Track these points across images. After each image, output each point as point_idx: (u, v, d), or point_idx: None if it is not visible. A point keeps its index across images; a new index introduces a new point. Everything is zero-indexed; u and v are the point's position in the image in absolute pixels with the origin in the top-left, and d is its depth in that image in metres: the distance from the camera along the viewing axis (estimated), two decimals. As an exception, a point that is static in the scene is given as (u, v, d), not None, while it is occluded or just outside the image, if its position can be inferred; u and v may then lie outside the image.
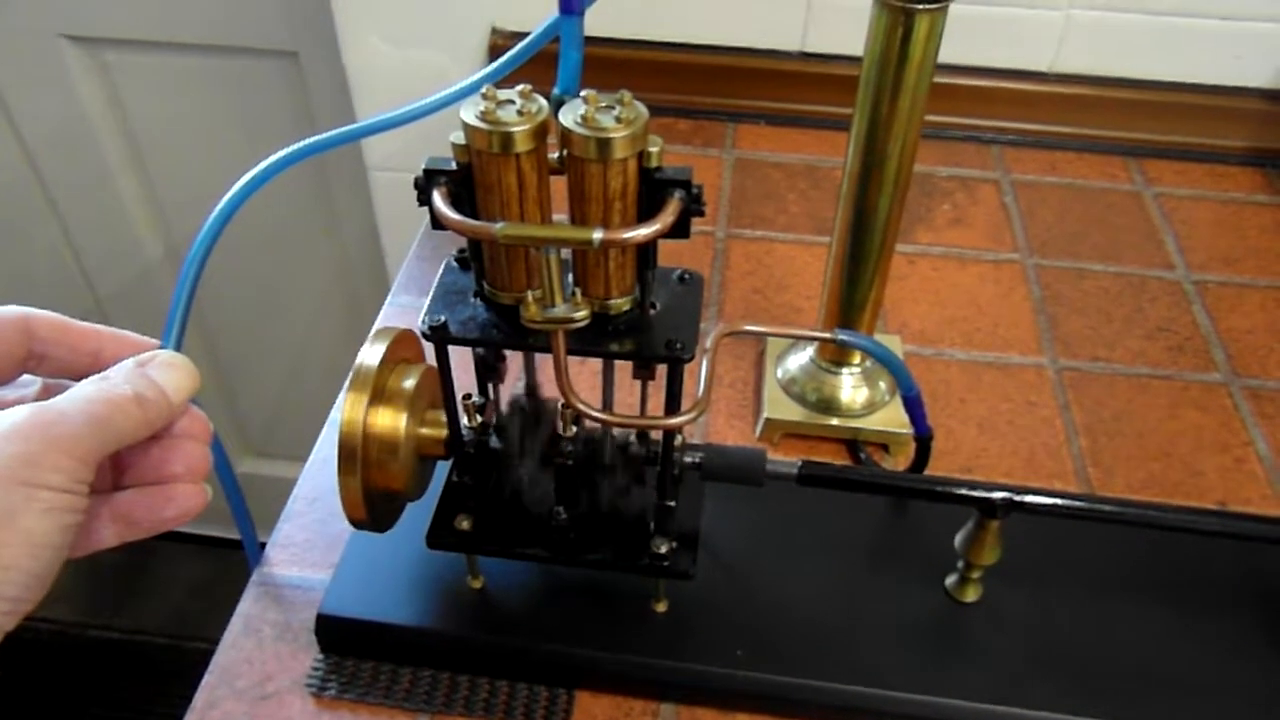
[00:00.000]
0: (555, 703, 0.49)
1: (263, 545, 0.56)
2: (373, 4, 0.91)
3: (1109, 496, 0.58)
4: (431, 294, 0.43)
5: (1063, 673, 0.48)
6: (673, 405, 0.42)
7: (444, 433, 0.46)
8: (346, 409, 0.43)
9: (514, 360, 0.49)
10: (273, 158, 0.44)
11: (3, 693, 1.50)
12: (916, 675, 0.48)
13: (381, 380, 0.44)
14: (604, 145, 0.36)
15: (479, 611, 0.50)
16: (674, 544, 0.47)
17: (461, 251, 0.44)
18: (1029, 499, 0.46)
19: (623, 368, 0.47)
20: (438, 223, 0.38)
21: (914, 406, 0.52)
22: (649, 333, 0.41)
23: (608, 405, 0.48)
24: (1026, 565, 0.51)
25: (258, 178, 0.44)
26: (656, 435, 0.47)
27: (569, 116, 0.37)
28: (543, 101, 0.38)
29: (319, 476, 0.59)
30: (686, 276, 0.44)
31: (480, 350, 0.46)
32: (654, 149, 0.38)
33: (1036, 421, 0.63)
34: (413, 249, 0.77)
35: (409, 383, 0.45)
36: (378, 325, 0.70)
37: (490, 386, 0.48)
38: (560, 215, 0.40)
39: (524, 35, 0.46)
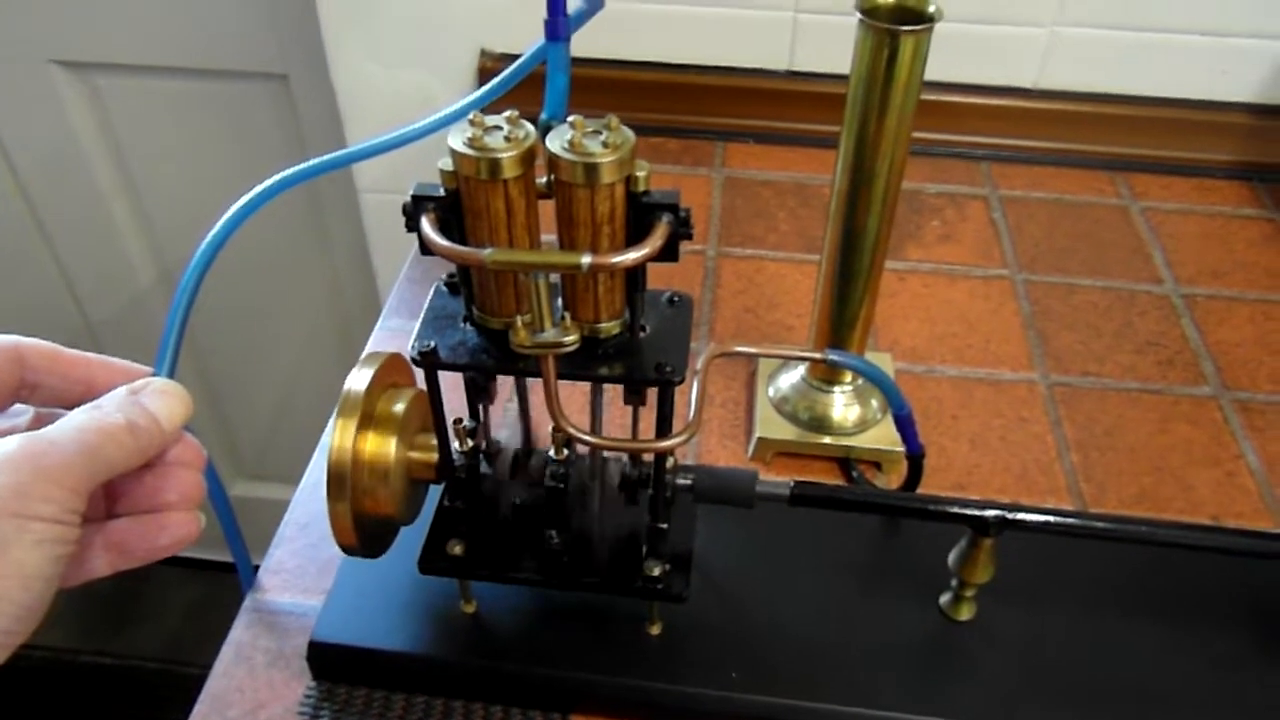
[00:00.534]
0: (549, 727, 0.48)
1: (256, 568, 0.56)
2: (362, 27, 0.92)
3: (1102, 513, 0.58)
4: (421, 319, 0.43)
5: (1058, 690, 0.48)
6: (664, 427, 0.42)
7: (435, 457, 0.46)
8: (335, 434, 0.43)
9: (505, 381, 0.49)
10: (264, 185, 0.44)
11: (-6, 721, 1.49)
12: (912, 695, 0.47)
13: (371, 405, 0.44)
14: (591, 170, 0.36)
15: (472, 636, 0.50)
16: (667, 566, 0.47)
17: (451, 276, 0.44)
18: (1022, 517, 0.46)
19: (613, 389, 0.47)
20: (427, 249, 0.38)
21: (905, 425, 0.52)
22: (639, 356, 0.41)
23: (597, 428, 0.48)
24: (1020, 583, 0.51)
25: (249, 204, 0.44)
26: (648, 457, 0.47)
27: (556, 142, 0.37)
28: (530, 127, 0.38)
29: (310, 501, 0.59)
30: (676, 299, 0.44)
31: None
32: (641, 173, 0.38)
33: (1028, 437, 0.63)
34: (403, 271, 0.77)
35: (399, 407, 0.45)
36: (368, 349, 0.70)
37: (481, 408, 0.48)
38: (549, 236, 0.40)
39: (512, 57, 0.46)
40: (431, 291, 0.44)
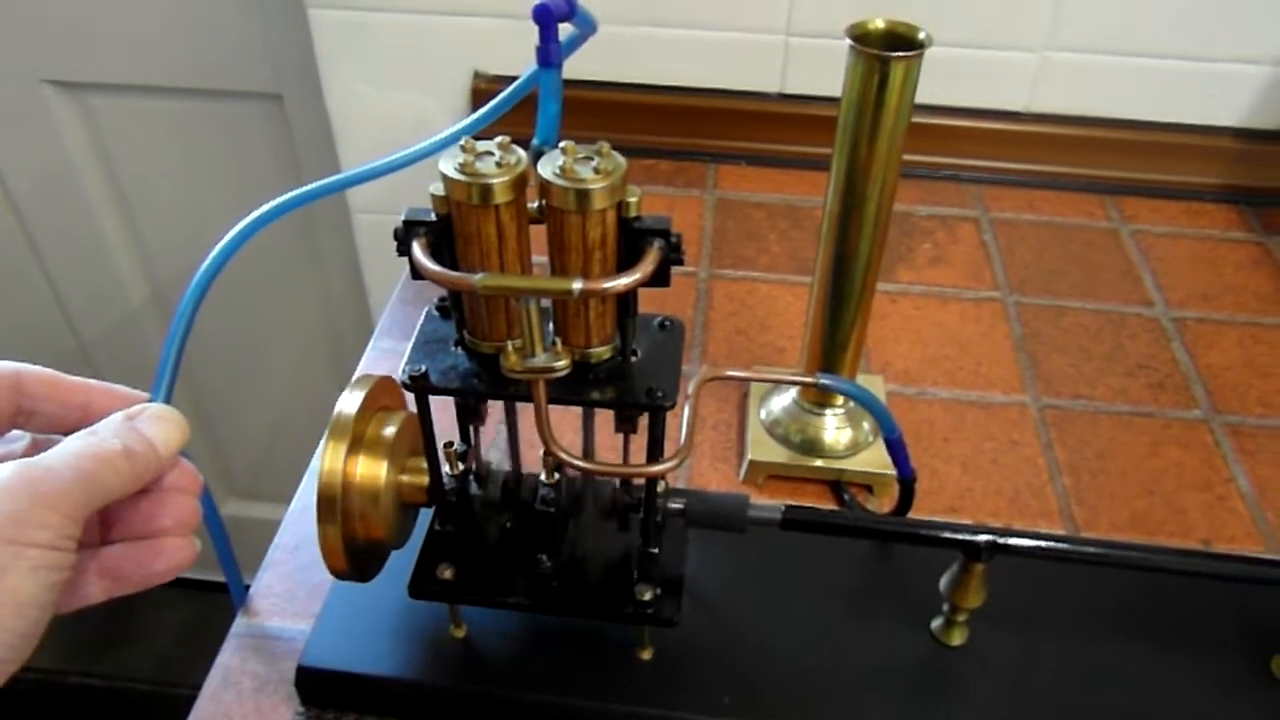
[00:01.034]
0: (539, 754, 0.48)
1: (246, 588, 0.55)
2: (356, 48, 0.92)
3: (1093, 538, 0.58)
4: (412, 343, 0.43)
5: (1050, 716, 0.48)
6: (655, 452, 0.42)
7: (425, 480, 0.46)
8: (326, 457, 0.43)
9: (496, 403, 0.49)
10: (259, 211, 0.44)
11: (-20, 743, 1.47)
12: (904, 721, 0.47)
13: (361, 428, 0.44)
14: (583, 196, 0.37)
15: (462, 661, 0.49)
16: (658, 591, 0.47)
17: (442, 300, 0.44)
18: (1013, 541, 0.46)
19: (604, 414, 0.47)
20: (418, 273, 0.38)
21: (897, 449, 0.52)
22: (630, 381, 0.41)
23: (589, 453, 0.48)
24: (1012, 607, 0.51)
25: (245, 230, 0.44)
26: (639, 482, 0.47)
27: (548, 168, 0.37)
28: (521, 153, 0.38)
29: (299, 524, 0.58)
30: (667, 324, 0.44)
31: (461, 397, 0.46)
32: (633, 199, 0.38)
33: (1020, 461, 0.63)
34: (395, 293, 0.77)
35: (389, 430, 0.45)
36: (360, 370, 0.69)
37: (472, 429, 0.48)
38: (540, 259, 0.40)
39: (506, 78, 0.46)
40: (423, 315, 0.44)
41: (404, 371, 0.41)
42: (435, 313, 0.44)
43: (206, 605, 1.61)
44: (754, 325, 0.74)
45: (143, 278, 1.28)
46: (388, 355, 0.71)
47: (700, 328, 0.73)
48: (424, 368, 0.41)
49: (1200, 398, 0.68)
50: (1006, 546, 0.46)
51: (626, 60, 0.90)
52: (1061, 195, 0.89)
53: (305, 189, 0.45)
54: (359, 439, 0.44)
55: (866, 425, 0.61)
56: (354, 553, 0.45)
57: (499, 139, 0.38)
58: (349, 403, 0.44)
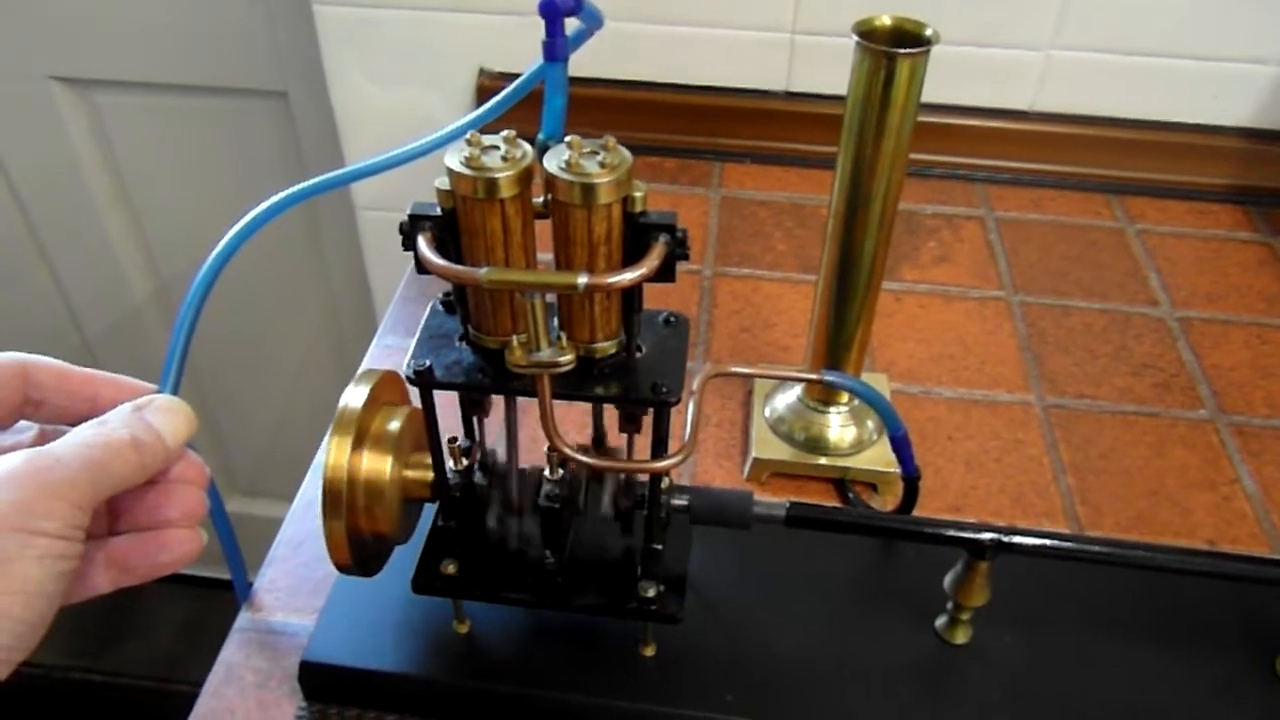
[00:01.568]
0: (542, 750, 0.48)
1: (249, 585, 0.55)
2: (361, 45, 0.92)
3: (1098, 537, 0.58)
4: (417, 338, 0.43)
5: (1054, 715, 0.48)
6: (659, 448, 0.42)
7: (430, 475, 0.46)
8: (330, 452, 0.43)
9: (500, 400, 0.49)
10: (266, 204, 0.44)
11: (-18, 738, 1.47)
12: (906, 718, 0.47)
13: (366, 423, 0.44)
14: (588, 191, 0.36)
15: (465, 657, 0.49)
16: (661, 587, 0.47)
17: (447, 295, 0.44)
18: (1018, 540, 0.46)
19: (611, 411, 0.47)
20: (423, 268, 0.38)
21: (901, 447, 0.52)
22: (635, 376, 0.41)
23: (598, 447, 0.48)
24: (1017, 606, 0.51)
25: (252, 224, 0.44)
26: (644, 478, 0.47)
27: (553, 162, 0.37)
28: (527, 147, 0.38)
29: (303, 520, 0.58)
30: (672, 319, 0.44)
31: (465, 390, 0.46)
32: (638, 193, 0.38)
33: (1024, 460, 0.63)
34: (399, 289, 0.77)
35: (394, 425, 0.45)
36: (364, 366, 0.69)
37: (476, 422, 0.48)
38: (545, 256, 0.40)
39: (511, 75, 0.46)
40: (427, 310, 0.44)
41: (408, 366, 0.41)
42: (440, 307, 0.44)
43: (208, 602, 1.62)
44: (758, 323, 0.74)
45: (147, 274, 1.28)
46: (392, 352, 0.71)
47: (704, 326, 0.73)
48: (428, 362, 0.41)
49: (1206, 398, 0.68)
50: (1011, 545, 0.46)
51: (632, 57, 0.90)
52: (1067, 194, 0.89)
53: (312, 182, 0.45)
54: (364, 434, 0.44)
55: (871, 423, 0.61)
56: (358, 547, 0.45)
57: (505, 133, 0.38)
58: (354, 397, 0.44)
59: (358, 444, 0.43)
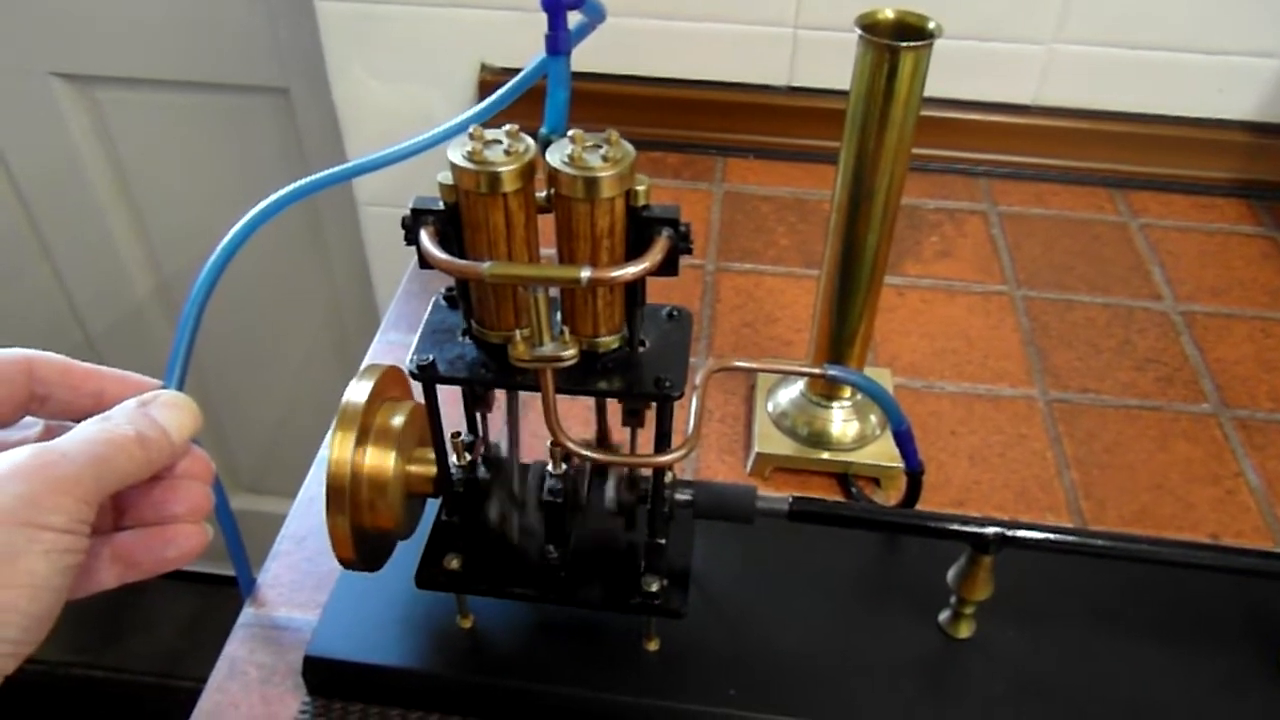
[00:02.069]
0: (546, 744, 0.48)
1: (253, 580, 0.55)
2: (362, 41, 0.92)
3: (1102, 530, 0.58)
4: (420, 332, 0.43)
5: (1057, 709, 0.48)
6: (663, 442, 0.42)
7: (433, 470, 0.46)
8: (334, 448, 0.43)
9: (503, 393, 0.49)
10: (270, 199, 0.44)
11: (-15, 734, 1.48)
12: (910, 713, 0.47)
13: (369, 418, 0.44)
14: (591, 184, 0.36)
15: (469, 651, 0.49)
16: (665, 582, 0.47)
17: (450, 290, 0.44)
18: (1022, 534, 0.46)
19: (614, 405, 0.47)
20: (425, 262, 0.38)
21: (905, 441, 0.52)
22: (638, 370, 0.41)
23: (602, 443, 0.47)
24: (1020, 600, 0.51)
25: (256, 219, 0.44)
26: (647, 472, 0.47)
27: (556, 156, 0.37)
28: (530, 141, 0.38)
29: (307, 515, 0.58)
30: (675, 313, 0.44)
31: (469, 386, 0.46)
32: (641, 187, 0.38)
33: (1028, 454, 0.63)
34: (402, 285, 0.77)
35: (397, 420, 0.45)
36: (366, 362, 0.69)
37: (479, 417, 0.48)
38: (548, 250, 0.40)
39: (512, 71, 0.46)
40: (430, 305, 0.44)
41: (412, 361, 0.41)
42: (443, 302, 0.44)
43: (211, 598, 1.62)
44: (761, 318, 0.74)
45: (149, 271, 1.28)
46: (394, 348, 0.71)
47: (707, 321, 0.73)
48: (431, 357, 0.41)
49: (1209, 392, 0.68)
50: (1015, 539, 0.46)
51: (634, 52, 0.90)
52: (1070, 189, 0.88)
53: (315, 177, 0.45)
54: (367, 429, 0.44)
55: (874, 418, 0.61)
56: (362, 543, 0.45)
57: (507, 127, 0.38)
58: (357, 392, 0.44)
59: (361, 439, 0.43)
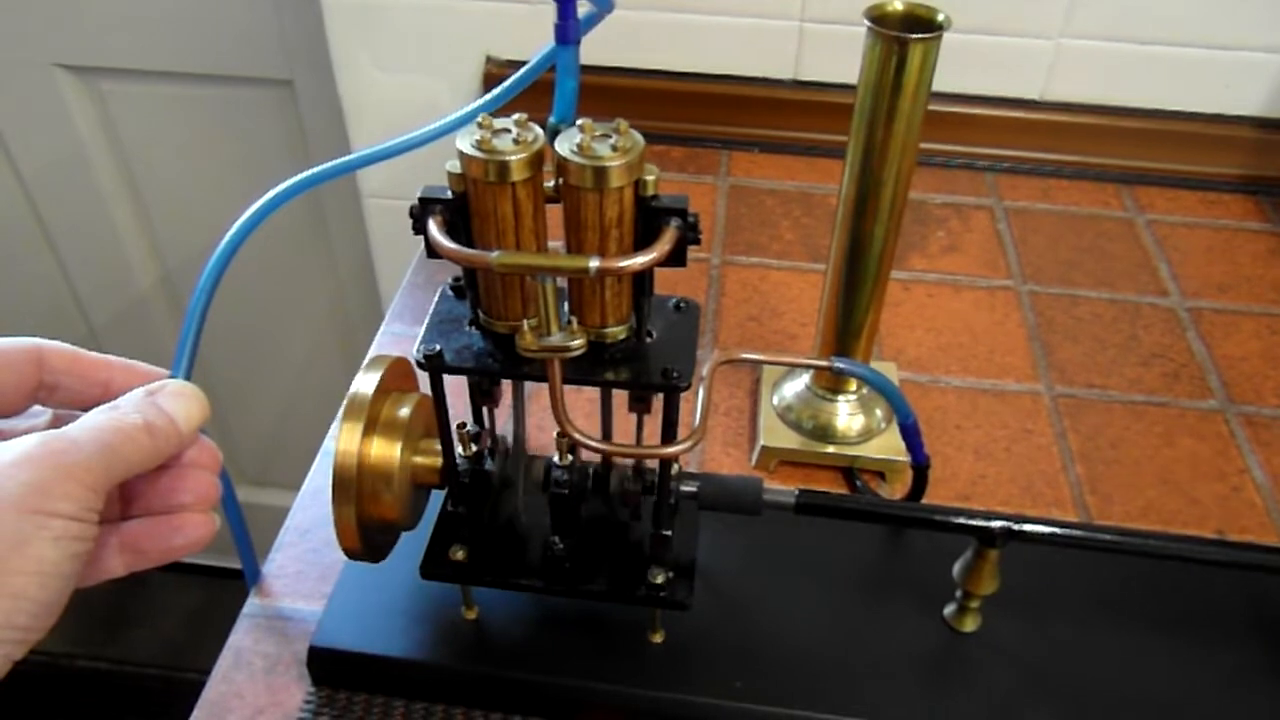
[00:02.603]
0: (551, 736, 0.48)
1: (258, 570, 0.55)
2: (367, 33, 0.92)
3: (1108, 525, 0.58)
4: (426, 322, 0.43)
5: (1062, 703, 0.47)
6: (669, 434, 0.42)
7: (439, 462, 0.46)
8: (341, 438, 0.43)
9: (509, 385, 0.49)
10: (276, 190, 0.44)
11: (-12, 726, 1.48)
12: (915, 706, 0.47)
13: (376, 409, 0.44)
14: (600, 174, 0.36)
15: (473, 643, 0.49)
16: (670, 574, 0.47)
17: (457, 280, 0.44)
18: (1028, 528, 0.46)
19: (620, 395, 0.47)
20: (433, 251, 0.38)
21: (911, 434, 0.52)
22: (645, 361, 0.41)
23: (606, 435, 0.47)
24: (1026, 594, 0.51)
25: (263, 209, 0.44)
26: (653, 464, 0.47)
27: (565, 145, 0.37)
28: (538, 130, 0.38)
29: (311, 507, 0.58)
30: (683, 305, 0.44)
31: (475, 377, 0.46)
32: (650, 177, 0.38)
33: (1033, 449, 0.63)
34: (407, 276, 0.77)
35: (404, 411, 0.45)
36: (371, 353, 0.69)
37: (486, 411, 0.47)
38: (555, 242, 0.40)
39: (518, 63, 0.46)
40: (437, 295, 0.44)
41: (418, 351, 0.41)
42: (450, 292, 0.44)
43: (214, 590, 1.62)
44: (766, 312, 0.74)
45: (152, 263, 1.28)
46: (399, 339, 0.71)
47: (712, 314, 0.73)
48: (438, 347, 0.41)
49: (1215, 388, 0.68)
50: (1021, 533, 0.46)
51: (639, 45, 0.90)
52: (1076, 184, 0.88)
53: (321, 168, 0.45)
54: (374, 420, 0.44)
55: (879, 411, 0.61)
56: (367, 533, 0.45)
57: (516, 116, 0.38)
58: (365, 383, 0.44)
59: (368, 430, 0.43)
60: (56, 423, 0.36)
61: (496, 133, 0.37)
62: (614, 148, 0.37)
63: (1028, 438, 0.64)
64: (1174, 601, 0.52)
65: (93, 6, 1.04)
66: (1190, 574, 0.51)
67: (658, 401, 0.43)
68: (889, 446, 0.60)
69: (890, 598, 0.52)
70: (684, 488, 0.47)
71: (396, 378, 0.47)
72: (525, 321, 0.38)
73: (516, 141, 0.37)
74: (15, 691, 1.52)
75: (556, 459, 0.45)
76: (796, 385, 0.63)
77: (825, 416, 0.61)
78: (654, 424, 0.44)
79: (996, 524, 0.46)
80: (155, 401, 0.35)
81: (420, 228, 0.39)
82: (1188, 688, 0.48)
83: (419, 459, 0.46)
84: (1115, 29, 0.84)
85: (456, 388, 0.44)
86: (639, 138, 0.37)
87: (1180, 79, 0.86)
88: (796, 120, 0.90)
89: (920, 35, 0.46)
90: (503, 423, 0.48)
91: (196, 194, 1.18)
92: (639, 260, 0.37)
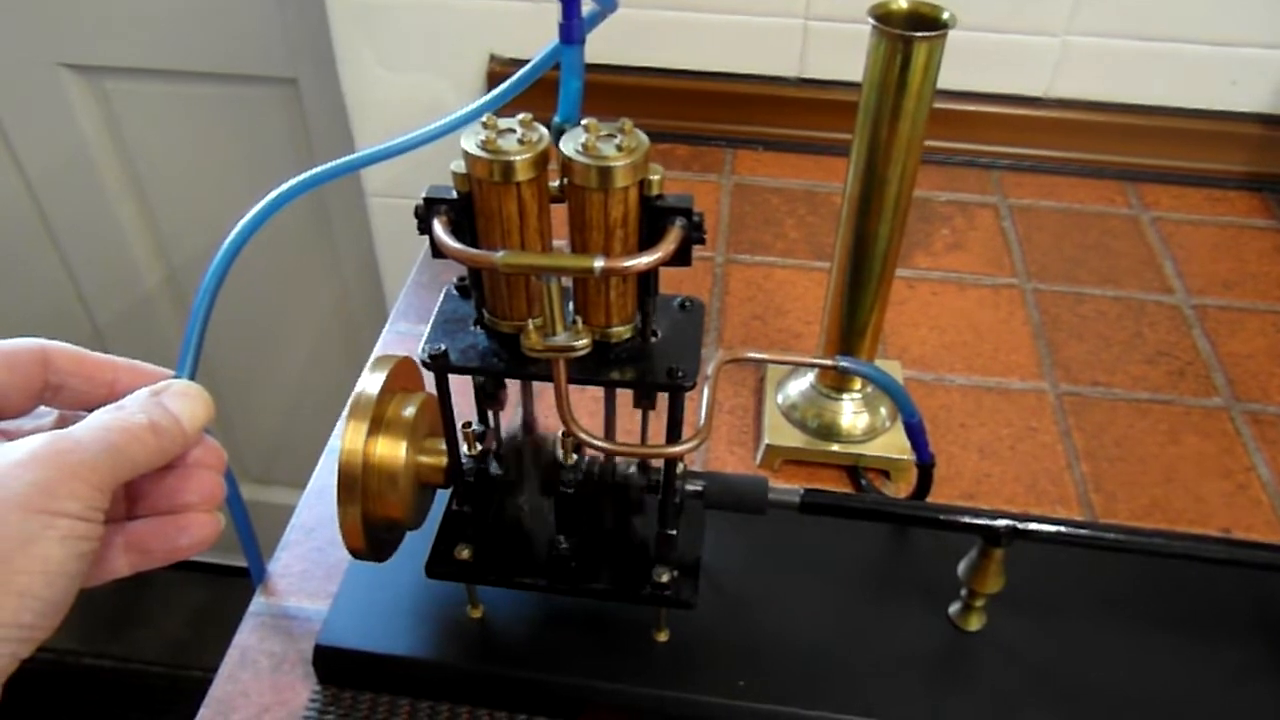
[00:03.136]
0: (556, 734, 0.48)
1: (264, 569, 0.55)
2: (371, 31, 0.92)
3: (1113, 524, 0.58)
4: (431, 322, 0.43)
5: (1067, 702, 0.47)
6: (674, 433, 0.42)
7: (444, 461, 0.46)
8: (346, 438, 0.43)
9: (514, 387, 0.49)
10: (281, 188, 0.44)
11: (-6, 724, 1.48)
12: (919, 705, 0.47)
13: (381, 408, 0.44)
14: (605, 174, 0.36)
15: (479, 641, 0.49)
16: (675, 573, 0.47)
17: (462, 279, 0.44)
18: (1033, 527, 0.46)
19: (624, 395, 0.47)
20: (438, 251, 0.38)
21: (916, 433, 0.52)
22: (650, 361, 0.41)
23: (610, 434, 0.47)
24: (1030, 593, 0.51)
25: (267, 208, 0.44)
26: (658, 463, 0.47)
27: (570, 145, 0.37)
28: (543, 130, 0.38)
29: (317, 506, 0.59)
30: (687, 304, 0.44)
31: (480, 378, 0.46)
32: (655, 177, 0.38)
33: (1038, 447, 0.63)
34: (411, 275, 0.77)
35: (409, 411, 0.45)
36: (376, 352, 0.69)
37: (490, 414, 0.48)
38: (560, 242, 0.40)
39: (521, 62, 0.46)
40: (442, 295, 0.44)
41: (424, 350, 0.41)
42: (455, 292, 0.44)
43: (220, 589, 1.62)
44: (770, 310, 0.74)
45: (157, 261, 1.28)
46: (404, 338, 0.71)
47: (716, 313, 0.73)
48: (443, 346, 0.41)
49: (1221, 385, 0.68)
50: (1026, 532, 0.46)
51: (643, 44, 0.90)
52: (1081, 182, 0.88)
53: (325, 167, 0.45)
54: (379, 420, 0.44)
55: (884, 410, 0.61)
56: (372, 533, 0.45)
57: (521, 116, 0.38)
58: (370, 383, 0.44)
59: (373, 429, 0.43)
60: (62, 423, 0.36)
61: (501, 133, 0.37)
62: (619, 147, 0.37)
63: (1032, 436, 0.64)
64: (1179, 600, 0.52)
65: (97, 6, 1.04)
66: (1196, 573, 0.51)
67: (662, 400, 0.43)
68: (894, 445, 0.60)
69: (895, 597, 0.52)
70: (689, 487, 0.47)
71: (401, 377, 0.47)
72: (530, 321, 0.38)
73: (521, 141, 0.37)
74: (21, 689, 1.51)
75: (561, 458, 0.45)
76: (801, 384, 0.63)
77: (830, 415, 0.61)
78: (659, 422, 0.44)
79: (1001, 523, 0.46)
80: (160, 401, 0.35)
81: (425, 228, 0.39)
82: (1193, 687, 0.48)
83: (424, 458, 0.46)
84: (1120, 26, 0.84)
85: (462, 385, 0.44)
86: (644, 137, 0.38)
87: (1186, 76, 0.86)
88: (801, 118, 0.90)
89: (925, 33, 0.46)
90: (507, 422, 0.48)
91: (201, 193, 1.19)
92: (644, 260, 0.37)
